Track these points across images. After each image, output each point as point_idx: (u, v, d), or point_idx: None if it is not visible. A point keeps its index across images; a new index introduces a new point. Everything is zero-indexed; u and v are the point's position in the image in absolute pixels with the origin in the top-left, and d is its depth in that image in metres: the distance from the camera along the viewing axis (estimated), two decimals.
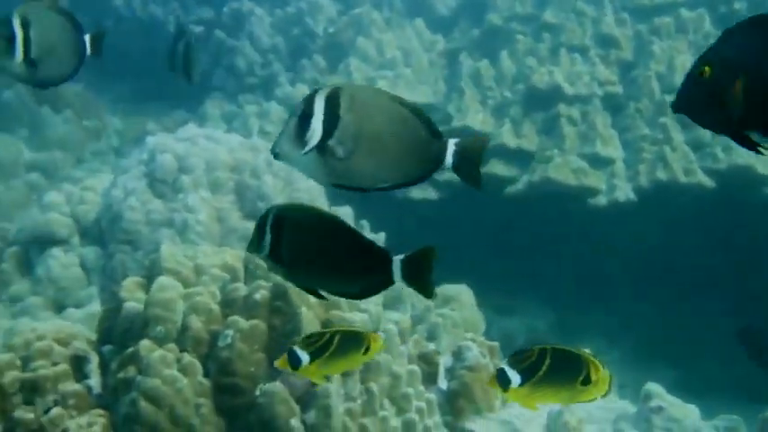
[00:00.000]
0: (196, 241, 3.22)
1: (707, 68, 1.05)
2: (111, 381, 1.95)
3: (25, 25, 1.72)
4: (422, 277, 1.24)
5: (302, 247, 1.26)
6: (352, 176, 1.21)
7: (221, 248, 2.57)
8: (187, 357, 1.96)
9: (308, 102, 1.18)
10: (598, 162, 3.80)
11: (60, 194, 3.42)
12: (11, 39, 1.71)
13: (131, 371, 1.92)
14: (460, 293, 3.14)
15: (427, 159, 1.21)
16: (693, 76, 1.06)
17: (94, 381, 1.98)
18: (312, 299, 2.10)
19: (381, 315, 2.25)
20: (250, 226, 3.37)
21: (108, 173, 4.87)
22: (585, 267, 4.02)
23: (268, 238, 1.25)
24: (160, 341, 2.00)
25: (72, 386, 1.90)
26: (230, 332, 1.98)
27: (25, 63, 1.73)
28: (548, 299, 4.06)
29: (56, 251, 3.21)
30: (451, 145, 1.21)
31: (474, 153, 1.22)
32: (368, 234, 3.60)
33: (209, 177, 3.37)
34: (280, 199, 3.44)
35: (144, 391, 1.85)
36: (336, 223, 1.27)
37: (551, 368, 1.39)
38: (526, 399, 1.42)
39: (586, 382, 1.39)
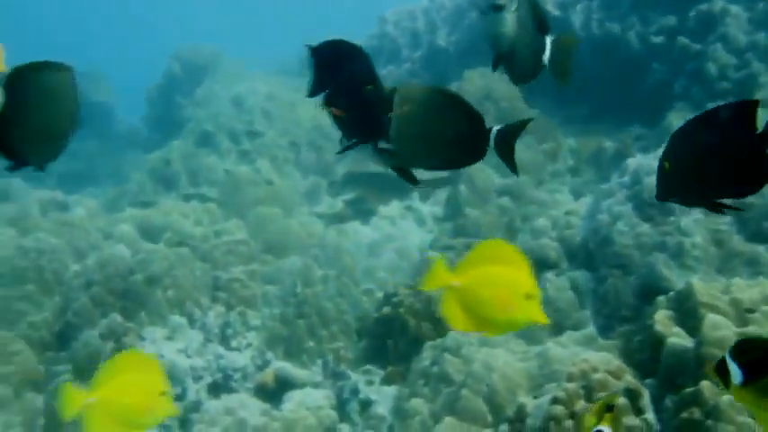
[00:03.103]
0: (693, 266, 3.05)
1: (666, 163, 1.29)
2: (673, 420, 1.90)
3: None
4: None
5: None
6: (406, 160, 1.46)
7: (755, 281, 2.35)
8: None
9: None
10: None
11: (547, 220, 3.61)
12: None
13: (696, 413, 1.85)
14: None
15: (471, 144, 1.43)
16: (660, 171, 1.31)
17: (650, 416, 1.96)
18: None
19: None
20: (756, 249, 3.04)
21: (565, 193, 5.05)
22: None
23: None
24: (717, 384, 1.88)
25: (634, 420, 1.91)
26: None
27: None
28: None
29: (549, 275, 3.39)
30: (494, 130, 1.42)
31: (509, 139, 1.43)
32: None
33: None
34: None
35: None
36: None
37: None
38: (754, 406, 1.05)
39: None
